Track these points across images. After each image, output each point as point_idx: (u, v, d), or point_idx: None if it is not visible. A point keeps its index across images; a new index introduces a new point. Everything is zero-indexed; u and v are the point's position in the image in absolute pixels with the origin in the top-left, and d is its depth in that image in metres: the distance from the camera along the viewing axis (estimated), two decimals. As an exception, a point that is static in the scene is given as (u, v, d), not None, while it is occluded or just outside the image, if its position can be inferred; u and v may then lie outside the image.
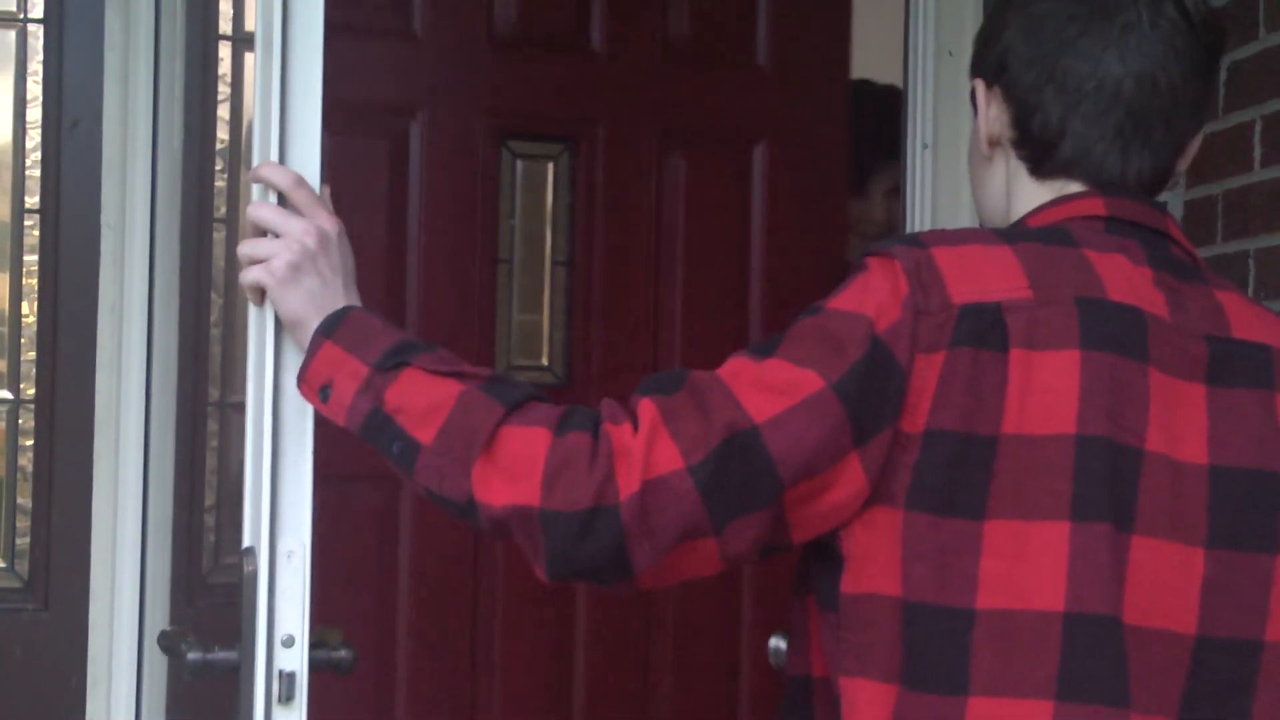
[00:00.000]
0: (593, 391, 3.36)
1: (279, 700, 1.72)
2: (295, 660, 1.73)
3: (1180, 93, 1.67)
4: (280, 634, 1.73)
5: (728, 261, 3.67)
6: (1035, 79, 1.69)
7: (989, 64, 1.75)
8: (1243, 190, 2.72)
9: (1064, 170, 1.69)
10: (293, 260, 1.73)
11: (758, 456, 1.52)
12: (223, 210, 3.08)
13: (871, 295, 1.56)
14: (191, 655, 1.73)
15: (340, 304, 1.74)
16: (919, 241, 1.60)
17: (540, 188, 3.47)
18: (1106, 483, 1.52)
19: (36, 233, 2.89)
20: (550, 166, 3.48)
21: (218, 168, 3.08)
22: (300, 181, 1.77)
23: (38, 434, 2.89)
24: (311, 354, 1.71)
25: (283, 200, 1.77)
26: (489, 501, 1.57)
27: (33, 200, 2.89)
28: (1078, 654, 1.50)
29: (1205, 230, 2.81)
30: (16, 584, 2.90)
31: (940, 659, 1.51)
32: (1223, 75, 2.76)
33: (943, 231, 1.66)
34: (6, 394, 2.89)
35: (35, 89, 2.89)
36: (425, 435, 1.61)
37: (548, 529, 1.54)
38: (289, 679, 1.72)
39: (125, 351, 2.81)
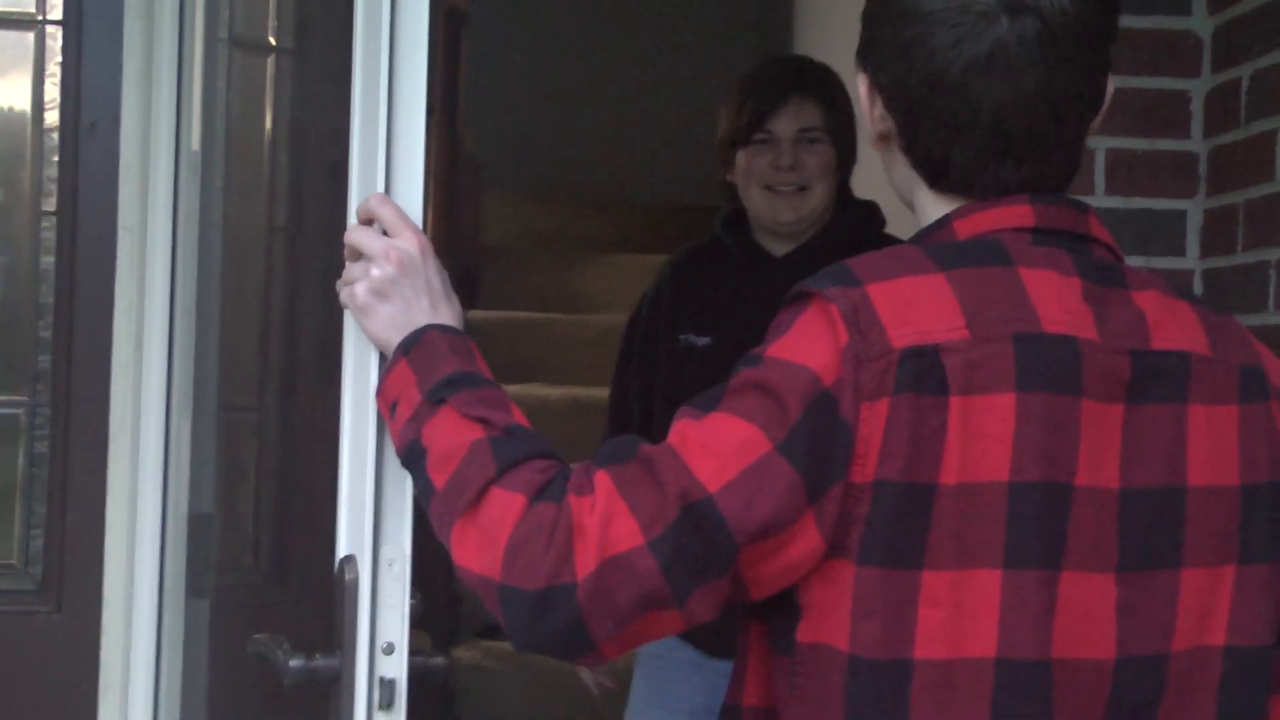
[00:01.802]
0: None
1: (380, 707, 1.73)
2: (396, 667, 1.74)
3: (1066, 105, 1.60)
4: (381, 641, 1.74)
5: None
6: (911, 107, 1.62)
7: (870, 63, 1.67)
8: (1264, 200, 2.71)
9: (959, 189, 1.64)
10: (373, 286, 1.75)
11: (714, 525, 1.48)
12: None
13: (810, 344, 1.52)
14: (294, 663, 1.73)
15: (424, 323, 1.73)
16: (853, 278, 1.54)
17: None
18: (1038, 526, 1.51)
19: (53, 235, 2.87)
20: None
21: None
22: (384, 202, 1.77)
23: (53, 436, 2.86)
24: (389, 368, 1.72)
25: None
26: (463, 565, 1.56)
27: (49, 203, 2.87)
28: (1009, 699, 1.50)
29: (1225, 240, 2.81)
30: (30, 587, 2.87)
31: (882, 713, 1.50)
32: (1245, 84, 2.78)
33: (875, 259, 1.58)
34: (22, 396, 2.87)
35: (54, 91, 2.87)
36: (439, 481, 1.60)
37: (505, 604, 1.52)
38: (389, 686, 1.73)
39: (146, 355, 2.79)
